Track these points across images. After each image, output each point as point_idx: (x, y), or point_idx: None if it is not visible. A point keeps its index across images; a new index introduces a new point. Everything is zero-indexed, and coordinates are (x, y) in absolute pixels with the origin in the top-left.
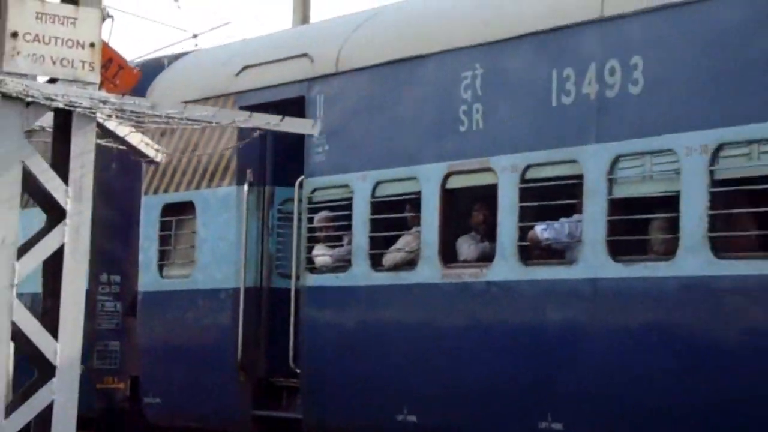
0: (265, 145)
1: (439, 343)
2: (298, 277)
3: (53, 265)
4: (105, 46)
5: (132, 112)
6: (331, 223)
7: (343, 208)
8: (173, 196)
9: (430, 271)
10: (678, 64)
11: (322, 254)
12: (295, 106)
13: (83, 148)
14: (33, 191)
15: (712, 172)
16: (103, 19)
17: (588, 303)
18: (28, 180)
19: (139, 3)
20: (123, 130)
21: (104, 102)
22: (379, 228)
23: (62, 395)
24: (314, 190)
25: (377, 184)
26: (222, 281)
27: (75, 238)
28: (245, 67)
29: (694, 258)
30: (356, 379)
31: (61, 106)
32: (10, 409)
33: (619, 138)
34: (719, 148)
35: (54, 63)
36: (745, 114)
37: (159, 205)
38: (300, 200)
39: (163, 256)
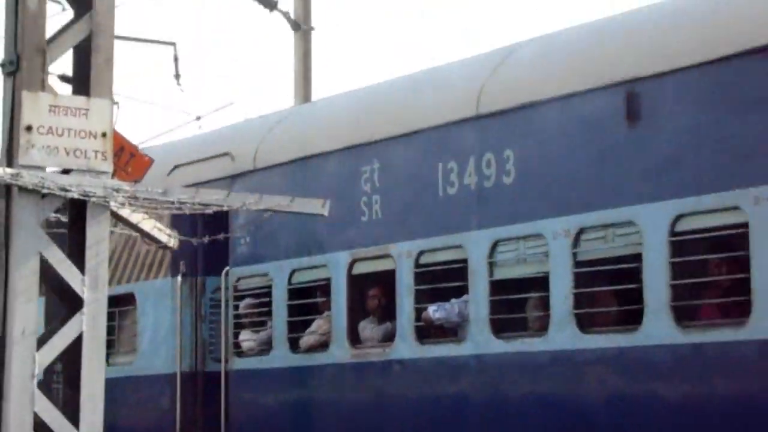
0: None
1: (352, 416)
2: (227, 361)
3: (72, 354)
4: (117, 135)
5: (144, 198)
6: (254, 309)
7: (264, 295)
8: (116, 289)
9: (339, 352)
10: (544, 156)
11: (247, 339)
12: None
13: (98, 237)
14: (50, 281)
15: (574, 254)
16: None
17: (475, 376)
18: (45, 270)
19: (143, 88)
20: (136, 217)
21: (117, 190)
22: (296, 313)
23: None
24: (238, 279)
25: (293, 272)
26: (160, 367)
27: (92, 326)
28: (176, 167)
29: (562, 333)
30: None
31: (75, 196)
32: None
33: (497, 224)
34: (580, 231)
35: (68, 154)
36: (601, 201)
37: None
38: (227, 288)
39: (109, 344)
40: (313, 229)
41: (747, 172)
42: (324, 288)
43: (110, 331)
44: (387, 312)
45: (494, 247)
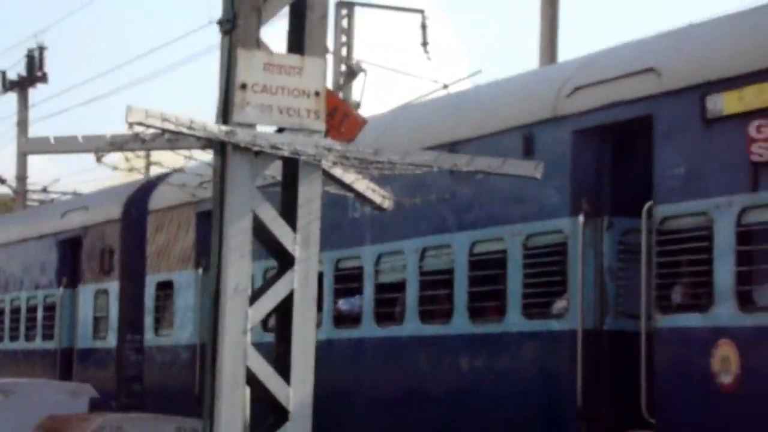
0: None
1: None
2: (648, 318)
3: (283, 311)
4: (330, 95)
5: (355, 158)
6: (692, 257)
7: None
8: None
9: None
10: (406, 193)
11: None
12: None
13: (310, 195)
14: (263, 239)
15: (420, 267)
16: (356, 74)
17: (366, 354)
18: (258, 228)
19: (391, 56)
20: (349, 177)
21: (329, 149)
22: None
23: None
24: (663, 220)
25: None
26: (555, 325)
27: (304, 284)
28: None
29: (414, 323)
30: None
31: (287, 155)
32: None
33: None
34: (424, 250)
35: (281, 113)
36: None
37: (153, 282)
38: (648, 231)
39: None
40: None
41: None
42: None
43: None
44: None
45: (379, 258)
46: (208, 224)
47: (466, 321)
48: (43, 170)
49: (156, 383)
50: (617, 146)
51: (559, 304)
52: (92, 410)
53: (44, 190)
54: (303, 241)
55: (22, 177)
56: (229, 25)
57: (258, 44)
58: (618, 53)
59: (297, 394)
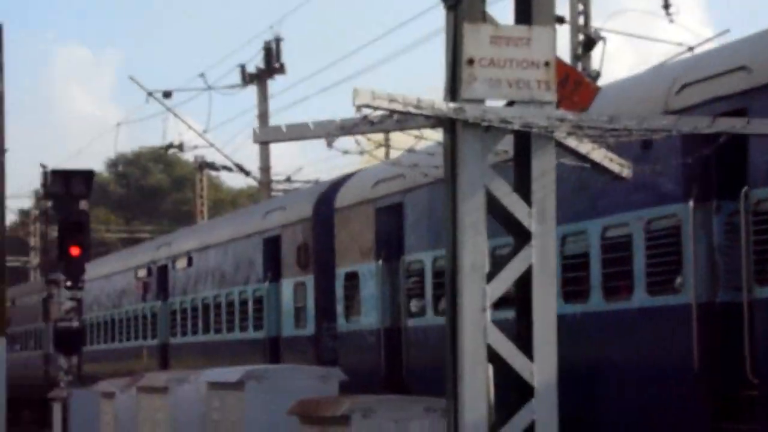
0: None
1: None
2: (749, 290)
3: (522, 287)
4: (560, 63)
5: (589, 127)
6: None
7: None
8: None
9: None
10: None
11: None
12: None
13: (544, 168)
14: (497, 215)
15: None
16: (594, 42)
17: None
18: (491, 203)
19: (629, 22)
20: (584, 147)
21: (561, 120)
22: None
23: (542, 415)
24: (758, 202)
25: None
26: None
27: (542, 258)
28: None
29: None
30: None
31: (517, 128)
32: (494, 429)
33: None
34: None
35: (510, 86)
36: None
37: (341, 274)
38: (746, 212)
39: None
40: None
41: None
42: None
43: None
44: None
45: None
46: (386, 219)
47: (600, 299)
48: (286, 161)
49: (348, 366)
50: (720, 137)
51: (677, 281)
52: (342, 393)
53: (288, 179)
54: (539, 215)
55: (265, 168)
56: (453, 0)
57: (484, 17)
58: (718, 53)
59: (541, 370)
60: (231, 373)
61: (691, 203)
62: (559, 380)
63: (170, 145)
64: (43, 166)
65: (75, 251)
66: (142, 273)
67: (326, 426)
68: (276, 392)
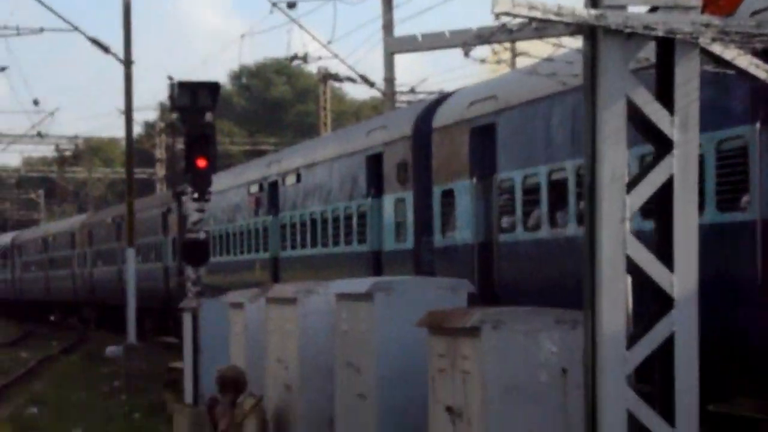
0: None
1: None
2: None
3: (663, 198)
4: None
5: (736, 33)
6: None
7: None
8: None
9: None
10: None
11: None
12: None
13: (688, 75)
14: (637, 124)
15: None
16: None
17: None
18: (632, 112)
19: None
20: (730, 53)
21: (706, 26)
22: None
23: (682, 327)
24: None
25: None
26: None
27: (683, 168)
28: None
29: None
30: None
31: (660, 34)
32: (632, 341)
33: None
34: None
35: None
36: None
37: (438, 192)
38: None
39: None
40: None
41: None
42: None
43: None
44: None
45: None
46: (480, 139)
47: None
48: (410, 71)
49: None
50: None
51: (744, 199)
52: (470, 305)
53: (412, 90)
54: (681, 124)
55: (389, 79)
56: None
57: None
58: None
59: (681, 281)
60: (359, 284)
61: (758, 125)
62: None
63: (294, 57)
64: (170, 78)
65: (202, 163)
66: (255, 189)
67: (456, 337)
68: (405, 304)
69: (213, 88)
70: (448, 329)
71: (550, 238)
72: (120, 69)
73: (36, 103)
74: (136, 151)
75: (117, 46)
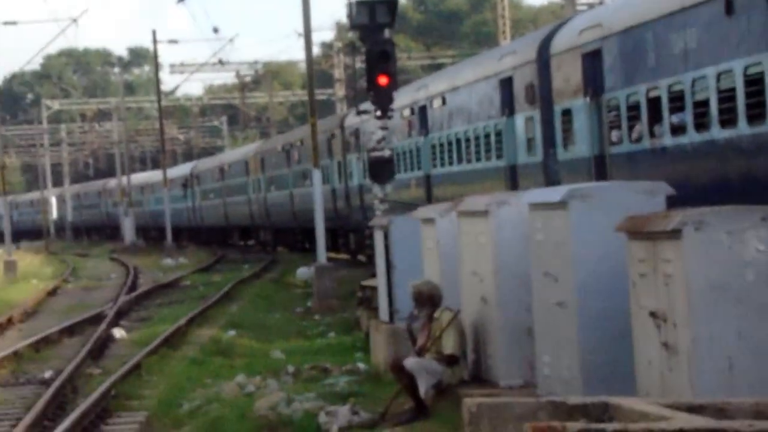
0: None
1: None
2: None
3: None
4: None
5: None
6: None
7: None
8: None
9: None
10: None
11: None
12: None
13: None
14: None
15: None
16: None
17: None
18: None
19: None
20: None
21: None
22: None
23: None
24: None
25: None
26: None
27: None
28: None
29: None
30: None
31: None
32: None
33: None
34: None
35: None
36: None
37: (558, 110)
38: None
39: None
40: None
41: None
42: None
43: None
44: None
45: None
46: (590, 63)
47: (745, 125)
48: None
49: None
50: None
51: None
52: (669, 208)
53: None
54: None
55: None
56: None
57: None
58: None
59: None
60: (553, 192)
61: None
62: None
63: None
64: None
65: (383, 80)
66: (407, 112)
67: (657, 240)
68: (601, 210)
69: (391, 4)
70: (649, 233)
71: (650, 148)
72: None
73: (216, 30)
74: (315, 73)
75: None
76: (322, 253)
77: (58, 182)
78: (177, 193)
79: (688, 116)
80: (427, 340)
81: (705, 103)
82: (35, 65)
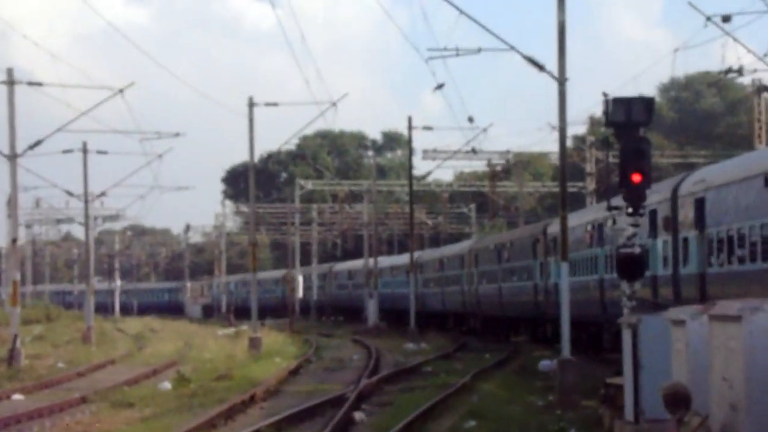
0: None
1: None
2: None
3: None
4: None
5: None
6: None
7: None
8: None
9: None
10: None
11: None
12: None
13: None
14: None
15: None
16: None
17: None
18: None
19: None
20: None
21: None
22: None
23: None
24: None
25: None
26: None
27: None
28: None
29: None
30: None
31: None
32: None
33: None
34: None
35: None
36: None
37: (681, 238)
38: None
39: None
40: None
41: None
42: None
43: None
44: None
45: None
46: (700, 206)
47: None
48: None
49: None
50: None
51: None
52: None
53: None
54: None
55: None
56: None
57: None
58: None
59: None
60: None
61: None
62: None
63: (729, 70)
64: (605, 95)
65: (636, 178)
66: (589, 228)
67: None
68: None
69: (647, 103)
70: None
71: (737, 270)
72: (552, 85)
73: (471, 120)
74: (566, 165)
75: (549, 63)
76: (566, 347)
77: (305, 261)
78: (402, 278)
79: (746, 251)
80: None
81: (755, 243)
82: (291, 145)
